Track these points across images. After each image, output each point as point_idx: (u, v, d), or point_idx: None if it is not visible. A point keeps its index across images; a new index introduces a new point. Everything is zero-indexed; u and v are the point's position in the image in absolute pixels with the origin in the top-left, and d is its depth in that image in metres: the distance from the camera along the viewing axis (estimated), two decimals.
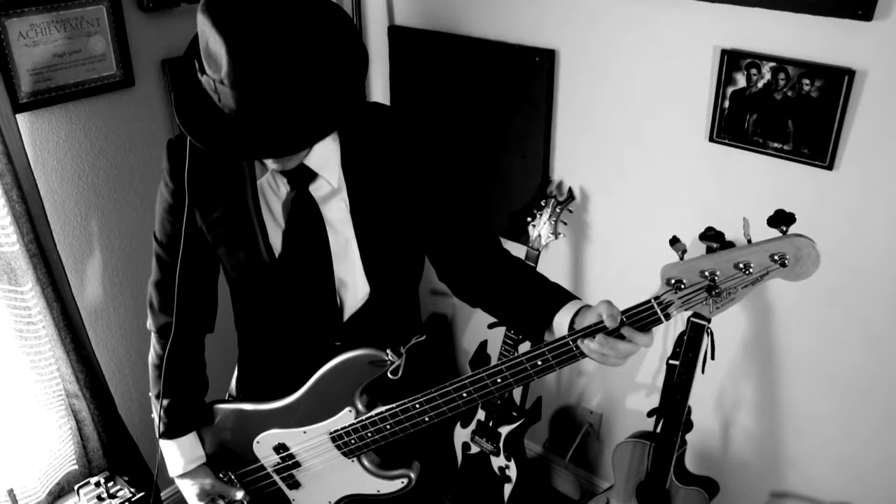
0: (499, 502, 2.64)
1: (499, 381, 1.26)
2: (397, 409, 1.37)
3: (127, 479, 2.28)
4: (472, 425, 2.62)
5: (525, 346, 2.47)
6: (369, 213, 1.36)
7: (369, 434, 1.41)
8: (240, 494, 1.57)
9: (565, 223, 2.32)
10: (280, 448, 1.51)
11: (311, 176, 1.32)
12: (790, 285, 1.99)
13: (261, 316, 1.51)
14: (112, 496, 2.19)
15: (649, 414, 2.21)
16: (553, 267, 2.51)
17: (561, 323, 1.26)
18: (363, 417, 1.40)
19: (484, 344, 2.67)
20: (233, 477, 1.59)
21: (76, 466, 2.29)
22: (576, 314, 1.25)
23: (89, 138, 2.15)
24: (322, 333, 1.44)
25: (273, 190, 1.36)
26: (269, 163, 1.26)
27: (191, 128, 1.15)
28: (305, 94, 1.10)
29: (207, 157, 1.35)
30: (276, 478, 1.56)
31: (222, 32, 1.04)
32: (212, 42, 1.07)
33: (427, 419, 1.36)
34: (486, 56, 2.37)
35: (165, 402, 1.52)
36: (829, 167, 1.84)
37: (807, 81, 1.79)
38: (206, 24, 1.06)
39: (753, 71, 1.87)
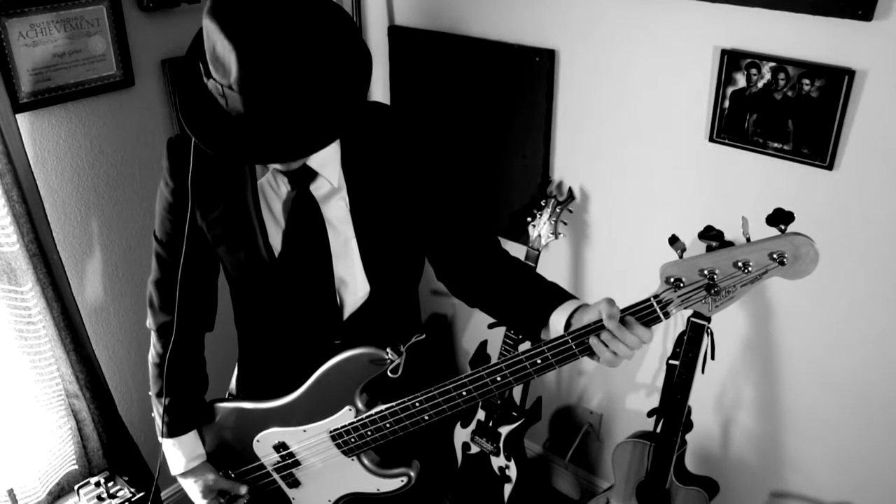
0: (499, 502, 2.64)
1: (498, 379, 1.26)
2: (397, 408, 1.37)
3: (127, 479, 2.28)
4: (472, 425, 2.62)
5: (525, 346, 2.47)
6: (369, 213, 1.36)
7: (369, 433, 1.41)
8: (244, 489, 1.57)
9: (565, 223, 2.33)
10: (280, 447, 1.51)
11: (312, 175, 1.33)
12: (790, 284, 1.99)
13: (261, 315, 1.51)
14: (112, 496, 2.19)
15: (649, 414, 2.21)
16: (553, 267, 2.52)
17: (557, 321, 1.27)
18: (363, 416, 1.40)
19: (484, 344, 2.67)
20: (232, 475, 1.59)
21: (76, 466, 2.29)
22: (572, 313, 1.25)
23: (89, 138, 2.16)
24: (322, 332, 1.44)
25: (273, 189, 1.36)
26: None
27: (198, 132, 1.15)
28: (314, 98, 1.10)
29: (208, 156, 1.35)
30: (275, 476, 1.57)
31: (231, 38, 1.04)
32: (219, 47, 1.06)
33: (427, 418, 1.36)
34: (486, 56, 2.37)
35: (166, 400, 1.52)
36: (829, 167, 1.84)
37: (807, 81, 1.80)
38: (214, 29, 1.06)
39: (753, 71, 1.87)
